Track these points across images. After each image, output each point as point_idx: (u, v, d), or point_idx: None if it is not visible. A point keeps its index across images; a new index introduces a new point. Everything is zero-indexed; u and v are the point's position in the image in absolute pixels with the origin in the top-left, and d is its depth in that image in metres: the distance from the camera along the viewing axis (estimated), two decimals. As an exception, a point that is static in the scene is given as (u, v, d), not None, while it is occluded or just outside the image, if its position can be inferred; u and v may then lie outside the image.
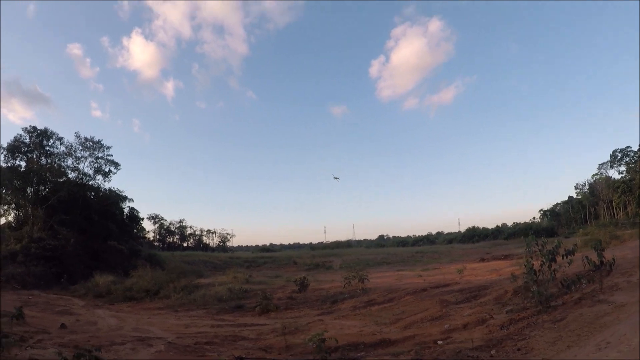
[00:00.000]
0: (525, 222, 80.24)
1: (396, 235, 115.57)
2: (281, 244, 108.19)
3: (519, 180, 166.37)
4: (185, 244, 70.84)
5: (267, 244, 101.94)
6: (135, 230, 43.33)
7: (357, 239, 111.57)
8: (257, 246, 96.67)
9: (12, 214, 38.70)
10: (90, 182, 39.62)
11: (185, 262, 41.10)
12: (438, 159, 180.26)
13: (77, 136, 38.86)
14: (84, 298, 26.93)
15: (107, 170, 39.79)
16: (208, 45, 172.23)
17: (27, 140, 37.08)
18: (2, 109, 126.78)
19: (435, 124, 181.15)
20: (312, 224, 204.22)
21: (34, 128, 37.32)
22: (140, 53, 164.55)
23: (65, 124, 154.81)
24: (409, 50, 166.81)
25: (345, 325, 15.01)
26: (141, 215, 44.11)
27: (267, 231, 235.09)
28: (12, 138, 37.29)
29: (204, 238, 79.18)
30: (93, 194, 39.85)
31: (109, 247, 37.11)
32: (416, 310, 15.99)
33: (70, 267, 32.56)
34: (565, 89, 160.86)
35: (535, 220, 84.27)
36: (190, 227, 75.53)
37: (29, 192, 36.66)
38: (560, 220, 76.81)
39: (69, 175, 38.15)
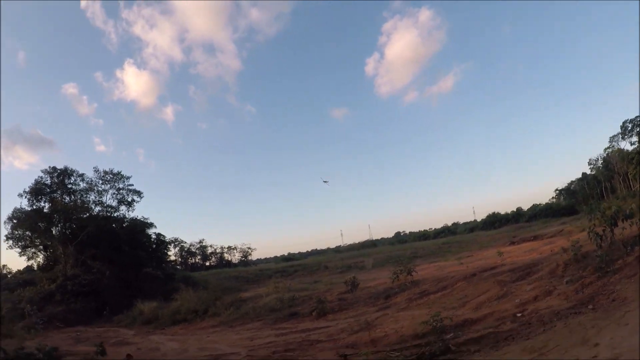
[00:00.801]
0: (546, 203, 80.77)
1: (412, 230, 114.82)
2: (299, 252, 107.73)
3: (529, 161, 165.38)
4: (207, 263, 70.49)
5: (286, 254, 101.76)
6: (164, 255, 43.11)
7: (374, 238, 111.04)
8: (277, 257, 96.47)
9: (41, 256, 38.71)
10: (115, 214, 39.63)
11: (219, 280, 40.80)
12: (445, 149, 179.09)
13: (96, 170, 39.20)
14: (130, 327, 26.71)
15: (130, 199, 39.88)
16: (201, 66, 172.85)
17: (49, 181, 37.09)
18: (7, 157, 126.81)
19: (438, 113, 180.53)
20: (327, 229, 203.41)
21: (54, 168, 37.64)
22: (134, 83, 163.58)
23: (72, 163, 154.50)
24: (402, 44, 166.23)
25: (415, 315, 14.91)
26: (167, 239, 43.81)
27: (284, 241, 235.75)
28: (33, 181, 37.57)
29: (225, 255, 79.04)
30: (119, 224, 39.70)
31: (145, 275, 36.94)
32: (477, 293, 16.03)
33: (109, 299, 32.34)
34: (564, 64, 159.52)
35: (553, 200, 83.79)
36: (211, 246, 75.69)
37: (54, 232, 36.60)
38: (577, 197, 76.08)
39: (95, 210, 38.19)
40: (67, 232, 35.81)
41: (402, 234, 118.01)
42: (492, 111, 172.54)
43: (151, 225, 41.20)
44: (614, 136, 67.49)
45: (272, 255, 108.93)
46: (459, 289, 18.08)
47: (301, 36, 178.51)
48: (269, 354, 13.39)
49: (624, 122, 64.35)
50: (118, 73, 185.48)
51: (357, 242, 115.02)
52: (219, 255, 76.83)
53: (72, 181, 38.11)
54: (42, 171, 37.97)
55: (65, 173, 37.69)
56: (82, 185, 38.45)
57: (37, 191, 36.49)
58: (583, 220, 43.87)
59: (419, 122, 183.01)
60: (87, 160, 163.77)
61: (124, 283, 35.16)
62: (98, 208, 38.89)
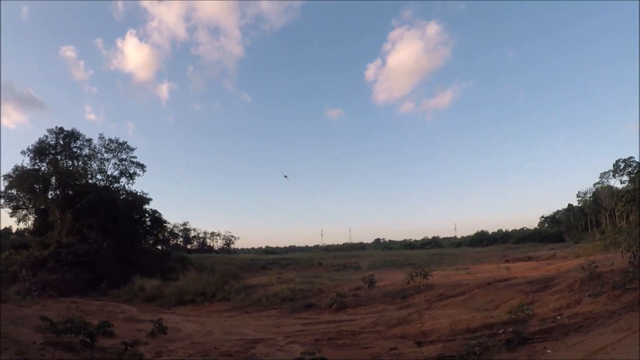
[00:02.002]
0: (534, 228, 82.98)
1: (392, 239, 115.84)
2: (277, 247, 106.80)
3: (515, 186, 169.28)
4: (188, 247, 69.05)
5: (264, 247, 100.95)
6: (159, 233, 41.82)
7: (353, 242, 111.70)
8: (259, 248, 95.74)
9: (32, 219, 37.03)
10: (115, 185, 38.31)
11: (213, 265, 39.98)
12: (434, 164, 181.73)
13: (101, 138, 37.72)
14: (130, 303, 25.90)
15: (132, 172, 38.61)
16: (203, 47, 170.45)
17: (53, 142, 35.59)
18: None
19: (431, 128, 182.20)
20: (307, 227, 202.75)
21: (61, 129, 36.13)
22: (134, 55, 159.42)
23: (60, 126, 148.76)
24: (406, 54, 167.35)
25: (451, 314, 15.31)
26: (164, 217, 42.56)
27: (263, 234, 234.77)
28: (37, 140, 36.08)
29: (208, 240, 77.77)
30: (119, 196, 38.39)
31: (142, 250, 35.90)
32: (503, 298, 16.61)
33: (104, 272, 31.24)
34: (562, 95, 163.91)
35: (537, 227, 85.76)
36: (194, 229, 74.28)
37: (51, 195, 35.15)
38: (561, 226, 78.44)
39: (96, 178, 36.88)
40: (66, 197, 34.30)
41: (382, 241, 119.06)
42: (485, 132, 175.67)
43: (149, 200, 40.11)
44: (604, 173, 70.24)
45: (250, 247, 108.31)
46: (479, 295, 18.53)
47: (307, 32, 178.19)
48: (312, 341, 13.27)
49: (617, 161, 66.88)
50: (119, 42, 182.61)
51: (336, 243, 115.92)
52: (201, 239, 75.50)
53: (77, 145, 36.68)
54: (47, 130, 36.51)
55: (72, 135, 36.20)
56: (86, 151, 37.09)
57: (40, 151, 34.99)
58: (573, 248, 45.73)
59: (412, 134, 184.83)
60: (75, 126, 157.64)
61: (120, 257, 34.08)
62: (99, 176, 37.53)
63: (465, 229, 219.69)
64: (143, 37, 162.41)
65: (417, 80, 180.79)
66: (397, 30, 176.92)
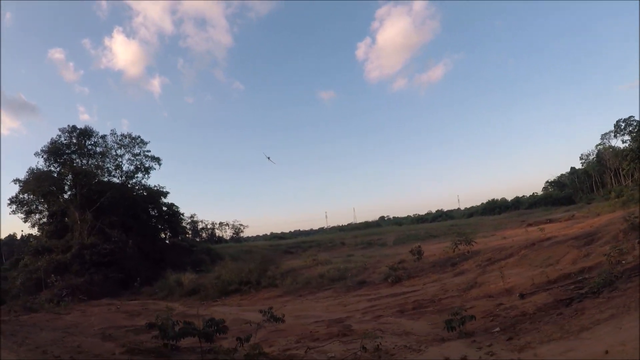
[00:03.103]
0: (544, 192, 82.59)
1: (396, 215, 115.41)
2: (282, 232, 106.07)
3: (515, 154, 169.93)
4: (197, 239, 67.83)
5: (269, 233, 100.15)
6: (177, 226, 40.50)
7: (357, 222, 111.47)
8: (265, 235, 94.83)
9: (45, 221, 35.49)
10: (131, 181, 36.90)
11: (238, 253, 39.04)
12: (431, 138, 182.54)
13: (113, 133, 36.15)
14: (169, 299, 24.94)
15: (147, 166, 37.27)
16: (191, 39, 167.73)
17: (67, 141, 34.08)
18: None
19: (426, 102, 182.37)
20: (311, 210, 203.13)
21: (74, 127, 34.70)
22: (123, 52, 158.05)
23: (54, 132, 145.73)
24: (395, 30, 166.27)
25: (515, 273, 15.32)
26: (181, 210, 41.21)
27: (267, 220, 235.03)
28: (50, 140, 34.46)
29: (217, 231, 76.56)
30: (137, 192, 36.99)
31: (170, 245, 34.79)
32: (559, 254, 16.53)
33: (133, 271, 30.18)
34: (552, 59, 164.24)
35: (542, 192, 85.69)
36: (202, 221, 73.11)
37: (68, 196, 33.69)
38: (567, 190, 78.77)
39: (114, 175, 35.47)
40: (83, 197, 32.83)
41: (386, 218, 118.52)
42: (479, 102, 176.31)
43: (167, 194, 38.79)
44: (605, 133, 70.69)
45: (256, 234, 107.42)
46: (530, 255, 18.22)
47: (294, 16, 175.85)
48: (397, 312, 12.88)
49: (617, 121, 67.35)
50: (106, 41, 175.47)
51: (341, 224, 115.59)
52: (210, 230, 74.28)
53: (92, 142, 35.11)
54: (59, 130, 34.91)
55: (85, 133, 34.65)
56: (100, 148, 35.60)
57: (54, 151, 33.48)
58: (589, 208, 45.84)
59: (406, 110, 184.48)
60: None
61: (145, 253, 32.95)
62: (115, 173, 36.14)
63: (469, 200, 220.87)
64: (130, 34, 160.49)
65: (408, 56, 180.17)
66: (384, 7, 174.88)
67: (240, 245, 49.63)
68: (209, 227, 74.24)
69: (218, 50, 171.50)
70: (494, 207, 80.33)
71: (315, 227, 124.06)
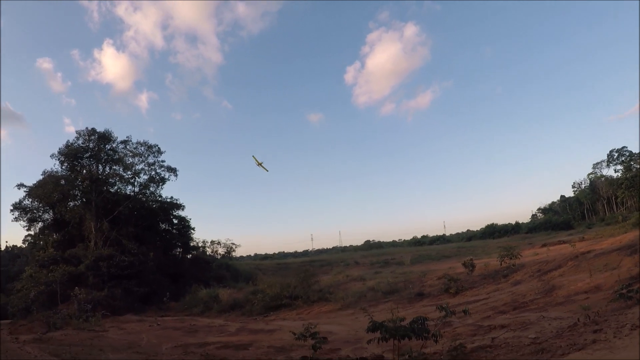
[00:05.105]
0: (543, 217, 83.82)
1: (381, 239, 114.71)
2: (265, 253, 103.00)
3: (501, 182, 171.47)
4: (189, 256, 65.00)
5: (255, 254, 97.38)
6: (189, 240, 38.22)
7: (343, 245, 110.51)
8: (257, 255, 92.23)
9: (52, 231, 32.87)
10: (147, 192, 34.87)
11: (247, 270, 37.40)
12: (418, 164, 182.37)
13: (128, 141, 34.17)
14: (205, 315, 23.60)
15: (163, 176, 35.44)
16: (182, 55, 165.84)
17: (84, 144, 32.17)
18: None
19: (413, 129, 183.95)
20: (295, 232, 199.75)
21: (93, 130, 32.64)
22: (112, 65, 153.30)
23: (39, 142, 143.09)
24: (385, 56, 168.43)
25: (581, 278, 15.58)
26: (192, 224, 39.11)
27: (252, 240, 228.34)
28: (66, 142, 32.51)
29: (207, 249, 73.75)
30: (152, 203, 35.01)
31: (191, 259, 32.80)
32: (613, 262, 16.69)
33: (156, 285, 28.19)
34: (540, 90, 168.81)
35: (538, 218, 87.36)
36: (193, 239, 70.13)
37: (79, 203, 31.47)
38: (558, 217, 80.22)
39: (134, 183, 33.55)
40: (98, 206, 30.68)
41: (372, 242, 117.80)
42: (466, 131, 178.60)
43: (180, 206, 36.85)
44: (597, 163, 73.58)
45: (241, 254, 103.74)
46: (582, 264, 18.31)
47: (285, 36, 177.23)
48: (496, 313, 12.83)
49: (610, 151, 70.35)
50: (96, 53, 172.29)
51: (326, 247, 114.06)
52: (201, 249, 71.39)
53: (114, 146, 33.20)
54: (77, 132, 33.22)
55: (104, 138, 32.61)
56: (119, 155, 33.48)
57: (71, 154, 31.47)
58: (596, 230, 46.96)
59: (393, 136, 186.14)
60: (55, 140, 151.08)
61: (162, 267, 30.89)
62: (138, 181, 34.55)
63: (454, 226, 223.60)
64: (120, 47, 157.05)
65: (396, 81, 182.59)
66: (375, 32, 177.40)
67: (251, 263, 47.72)
68: (199, 245, 71.64)
69: (208, 68, 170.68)
70: (494, 231, 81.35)
71: (300, 250, 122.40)
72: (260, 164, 43.63)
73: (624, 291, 8.78)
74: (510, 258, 23.98)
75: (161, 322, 20.96)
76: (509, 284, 19.61)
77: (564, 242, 43.62)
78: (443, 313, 8.01)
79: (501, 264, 23.85)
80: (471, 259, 25.42)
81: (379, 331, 6.22)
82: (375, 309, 19.50)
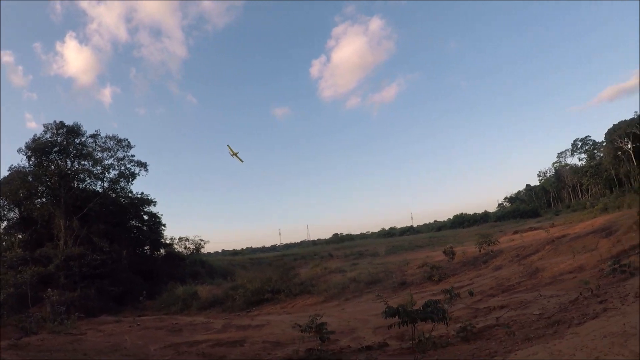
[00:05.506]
0: (511, 206, 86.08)
1: (349, 232, 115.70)
2: (234, 249, 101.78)
3: (465, 172, 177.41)
4: (161, 253, 63.48)
5: (223, 250, 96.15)
6: (160, 236, 37.05)
7: (311, 239, 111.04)
8: (225, 251, 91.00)
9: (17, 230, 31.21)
10: (117, 186, 33.58)
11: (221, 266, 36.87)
12: (383, 157, 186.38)
13: (97, 135, 32.65)
14: (185, 313, 23.14)
15: (132, 171, 34.29)
16: (146, 49, 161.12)
17: (52, 139, 30.57)
18: None
19: (378, 122, 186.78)
20: (262, 227, 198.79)
21: (61, 124, 30.93)
22: (74, 59, 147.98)
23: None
24: (350, 50, 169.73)
25: (562, 260, 16.19)
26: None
27: (221, 236, 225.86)
28: (33, 136, 30.96)
29: (176, 246, 72.09)
30: (122, 199, 33.80)
31: (164, 257, 31.89)
32: (591, 244, 17.48)
33: (129, 284, 27.35)
34: (504, 81, 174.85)
35: (504, 207, 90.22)
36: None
37: (47, 200, 29.97)
38: (524, 205, 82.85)
39: (104, 179, 32.15)
40: (67, 202, 29.31)
41: (339, 235, 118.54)
42: (432, 124, 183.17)
43: (151, 202, 35.77)
44: (562, 152, 76.51)
45: (209, 251, 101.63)
46: (560, 247, 19.16)
47: (250, 31, 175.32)
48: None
49: (574, 140, 73.16)
50: (58, 46, 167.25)
51: (294, 242, 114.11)
52: (171, 246, 69.75)
53: (82, 141, 31.72)
54: (44, 126, 31.29)
55: (73, 132, 31.16)
56: (89, 149, 32.05)
57: (39, 149, 29.86)
58: (565, 217, 48.97)
59: (359, 128, 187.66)
60: (15, 136, 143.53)
61: (134, 265, 29.99)
62: (107, 176, 33.35)
63: (421, 217, 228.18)
64: (83, 40, 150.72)
65: (362, 75, 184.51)
66: (341, 26, 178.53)
67: (223, 259, 47.04)
68: (167, 241, 70.03)
69: (172, 62, 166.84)
70: (463, 221, 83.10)
71: (268, 245, 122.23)
72: (235, 154, 44.15)
73: (616, 266, 9.71)
74: (489, 244, 24.65)
75: (140, 322, 20.22)
76: (490, 269, 20.28)
77: (535, 229, 45.15)
78: (437, 298, 8.21)
79: (480, 251, 24.54)
80: (451, 247, 25.91)
81: (396, 316, 6.26)
82: (361, 299, 19.81)
